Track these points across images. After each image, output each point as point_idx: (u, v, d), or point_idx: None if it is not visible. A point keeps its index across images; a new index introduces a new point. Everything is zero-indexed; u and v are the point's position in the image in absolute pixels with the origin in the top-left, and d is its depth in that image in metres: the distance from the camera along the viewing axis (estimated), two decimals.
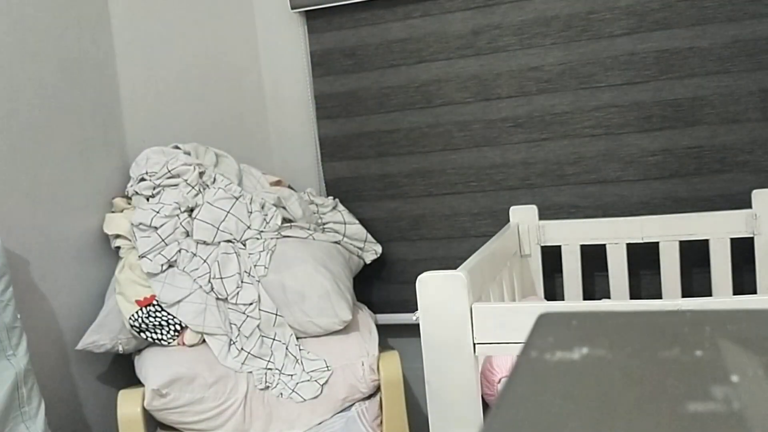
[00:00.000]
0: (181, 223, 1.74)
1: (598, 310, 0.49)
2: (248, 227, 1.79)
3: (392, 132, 2.06)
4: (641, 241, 1.78)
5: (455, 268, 1.38)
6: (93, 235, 1.82)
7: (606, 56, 1.87)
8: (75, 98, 1.79)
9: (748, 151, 1.80)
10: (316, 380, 1.65)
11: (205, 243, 1.74)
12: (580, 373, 0.39)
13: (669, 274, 1.78)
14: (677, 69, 1.82)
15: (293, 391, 1.64)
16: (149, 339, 1.66)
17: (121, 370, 1.87)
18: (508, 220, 1.99)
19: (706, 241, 1.84)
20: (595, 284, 1.95)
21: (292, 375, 1.66)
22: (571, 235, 1.83)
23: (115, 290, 1.72)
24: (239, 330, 1.67)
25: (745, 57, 1.78)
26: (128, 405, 1.56)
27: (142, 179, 1.82)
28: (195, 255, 1.72)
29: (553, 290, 1.98)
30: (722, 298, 1.02)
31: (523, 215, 1.87)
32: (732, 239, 1.80)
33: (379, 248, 2.05)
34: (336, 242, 1.93)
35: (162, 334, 1.66)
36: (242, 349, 1.65)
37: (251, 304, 1.68)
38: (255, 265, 1.73)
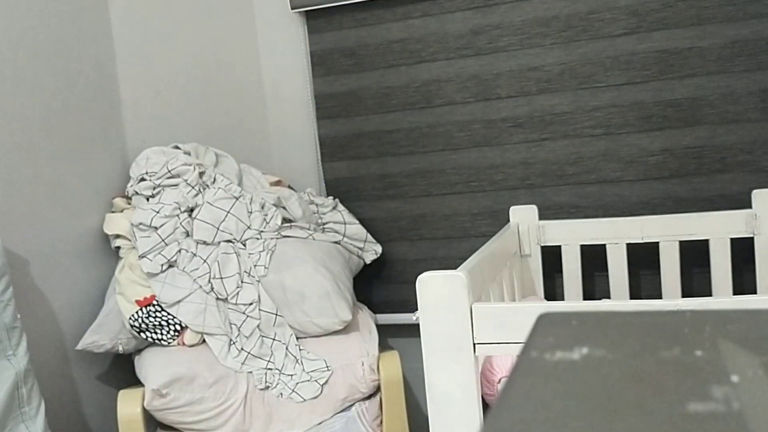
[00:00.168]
0: (181, 223, 1.74)
1: (598, 310, 0.49)
2: (248, 227, 1.79)
3: (392, 132, 2.06)
4: (641, 241, 1.78)
5: (455, 268, 1.38)
6: (93, 235, 1.82)
7: (606, 56, 1.87)
8: (75, 98, 1.79)
9: (748, 151, 1.80)
10: (316, 380, 1.65)
11: (205, 243, 1.74)
12: (580, 373, 0.39)
13: (669, 274, 1.78)
14: (677, 69, 1.82)
15: (293, 391, 1.64)
16: (149, 339, 1.66)
17: (121, 370, 1.87)
18: (508, 220, 1.99)
19: (706, 241, 1.84)
20: (595, 284, 1.95)
21: (292, 375, 1.66)
22: (571, 235, 1.83)
23: (115, 290, 1.72)
24: (239, 330, 1.67)
25: (745, 57, 1.78)
26: (128, 405, 1.56)
27: (142, 179, 1.82)
28: (195, 255, 1.72)
29: (553, 290, 1.98)
30: (722, 298, 1.02)
31: (523, 215, 1.87)
32: (732, 239, 1.80)
33: (379, 248, 2.05)
34: (336, 242, 1.93)
35: (162, 334, 1.66)
36: (242, 349, 1.65)
37: (251, 304, 1.68)
38: (255, 265, 1.73)
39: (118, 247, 1.81)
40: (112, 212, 1.85)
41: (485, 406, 1.41)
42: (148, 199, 1.80)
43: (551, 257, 1.95)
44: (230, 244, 1.76)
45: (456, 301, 1.12)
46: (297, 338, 1.73)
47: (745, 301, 1.03)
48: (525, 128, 1.95)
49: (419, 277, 1.13)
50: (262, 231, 1.79)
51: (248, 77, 2.16)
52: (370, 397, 1.73)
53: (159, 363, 1.60)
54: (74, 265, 1.75)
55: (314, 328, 1.72)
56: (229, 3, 2.13)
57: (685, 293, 1.87)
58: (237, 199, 1.81)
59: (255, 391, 1.62)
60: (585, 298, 1.94)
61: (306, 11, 2.09)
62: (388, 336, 2.17)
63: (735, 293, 1.82)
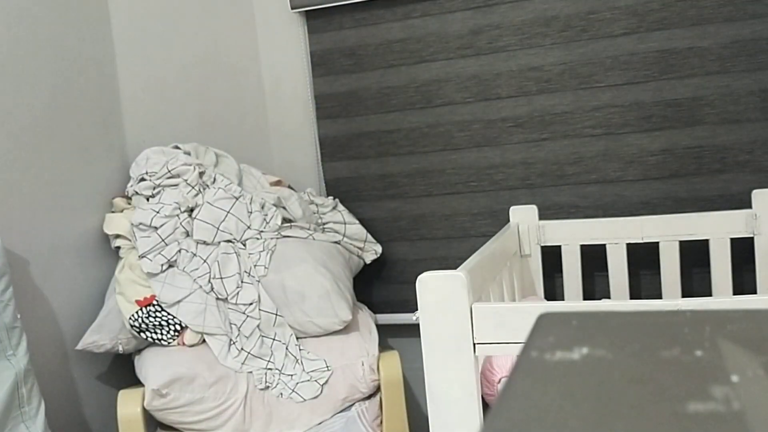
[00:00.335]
0: (181, 223, 1.74)
1: (598, 310, 0.49)
2: (248, 227, 1.79)
3: (392, 132, 2.06)
4: (641, 241, 1.78)
5: (455, 268, 1.38)
6: (93, 235, 1.82)
7: (606, 56, 1.87)
8: (75, 98, 1.79)
9: (748, 151, 1.80)
10: (316, 380, 1.65)
11: (205, 243, 1.74)
12: (580, 373, 0.39)
13: (669, 274, 1.78)
14: (677, 69, 1.82)
15: (293, 391, 1.64)
16: (149, 339, 1.66)
17: (121, 370, 1.87)
18: (508, 220, 1.99)
19: (706, 241, 1.84)
20: (595, 284, 1.95)
21: (292, 375, 1.66)
22: (571, 235, 1.83)
23: (115, 290, 1.72)
24: (239, 330, 1.67)
25: (745, 57, 1.78)
26: (128, 405, 1.56)
27: (142, 179, 1.82)
28: (195, 255, 1.72)
29: (553, 290, 1.98)
30: (722, 298, 1.02)
31: (523, 215, 1.87)
32: (732, 239, 1.80)
33: (379, 248, 2.05)
34: (336, 242, 1.93)
35: (162, 334, 1.66)
36: (242, 349, 1.65)
37: (251, 304, 1.68)
38: (255, 265, 1.73)
39: (118, 247, 1.81)
40: (112, 212, 1.85)
41: (485, 406, 1.41)
42: (148, 199, 1.80)
43: (551, 257, 1.95)
44: (230, 244, 1.76)
45: (456, 301, 1.12)
46: (297, 338, 1.73)
47: (745, 301, 1.03)
48: (525, 128, 1.95)
49: (419, 277, 1.13)
50: (262, 231, 1.80)
51: (248, 77, 2.16)
52: (370, 397, 1.73)
53: (159, 363, 1.60)
54: (74, 265, 1.75)
55: (314, 328, 1.72)
56: (229, 3, 2.13)
57: (685, 293, 1.87)
58: (237, 199, 1.81)
59: (255, 391, 1.62)
60: (585, 298, 1.94)
61: (306, 11, 2.09)
62: (388, 336, 2.17)
63: (735, 293, 1.82)
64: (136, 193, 1.81)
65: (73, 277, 1.74)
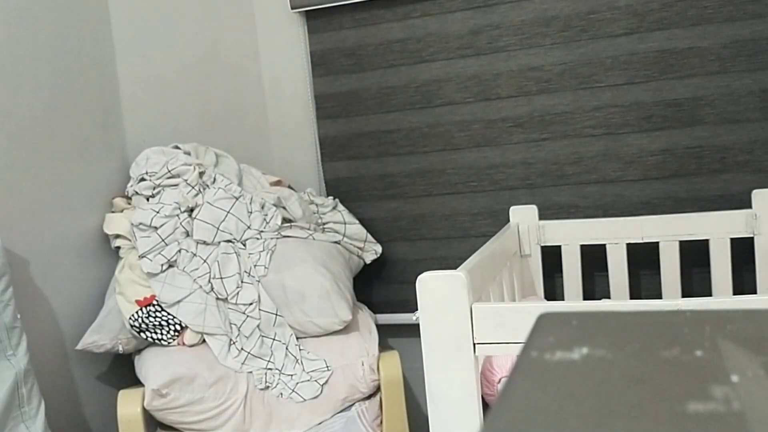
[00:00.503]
0: (181, 223, 1.74)
1: (598, 310, 0.49)
2: (248, 227, 1.79)
3: (392, 132, 2.06)
4: (641, 241, 1.78)
5: (455, 268, 1.38)
6: (93, 235, 1.82)
7: (606, 56, 1.87)
8: (75, 98, 1.79)
9: (748, 151, 1.80)
10: (316, 380, 1.65)
11: (205, 243, 1.74)
12: (580, 373, 0.39)
13: (669, 274, 1.78)
14: (677, 69, 1.82)
15: (293, 391, 1.64)
16: (149, 339, 1.66)
17: (121, 370, 1.87)
18: (508, 220, 1.99)
19: (706, 241, 1.84)
20: (595, 284, 1.95)
21: (292, 375, 1.66)
22: (571, 235, 1.83)
23: (115, 290, 1.72)
24: (239, 330, 1.67)
25: (745, 57, 1.78)
26: (128, 405, 1.56)
27: (142, 179, 1.82)
28: (195, 255, 1.72)
29: (553, 290, 1.98)
30: (722, 298, 1.02)
31: (523, 215, 1.87)
32: (732, 239, 1.80)
33: (379, 248, 2.05)
34: (336, 242, 1.93)
35: (162, 334, 1.66)
36: (242, 349, 1.65)
37: (251, 304, 1.68)
38: (255, 265, 1.73)
39: (118, 247, 1.81)
40: (112, 212, 1.85)
41: (485, 406, 1.41)
42: (148, 199, 1.80)
43: (551, 257, 1.95)
44: (230, 244, 1.76)
45: (456, 301, 1.12)
46: (297, 338, 1.73)
47: (745, 301, 1.03)
48: (525, 128, 1.95)
49: (419, 277, 1.13)
50: (262, 231, 1.80)
51: (248, 77, 2.16)
52: (370, 397, 1.73)
53: (159, 363, 1.60)
54: (74, 265, 1.75)
55: (314, 328, 1.72)
56: (229, 3, 2.13)
57: (685, 293, 1.87)
58: (237, 199, 1.81)
59: (255, 391, 1.62)
60: (585, 298, 1.94)
61: (306, 11, 2.09)
62: (388, 336, 2.17)
63: (735, 293, 1.82)
64: (136, 193, 1.81)
65: (73, 277, 1.74)
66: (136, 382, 1.72)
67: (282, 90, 2.17)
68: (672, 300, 1.04)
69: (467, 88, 1.98)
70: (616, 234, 1.79)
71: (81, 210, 1.78)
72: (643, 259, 1.91)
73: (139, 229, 1.73)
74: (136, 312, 1.65)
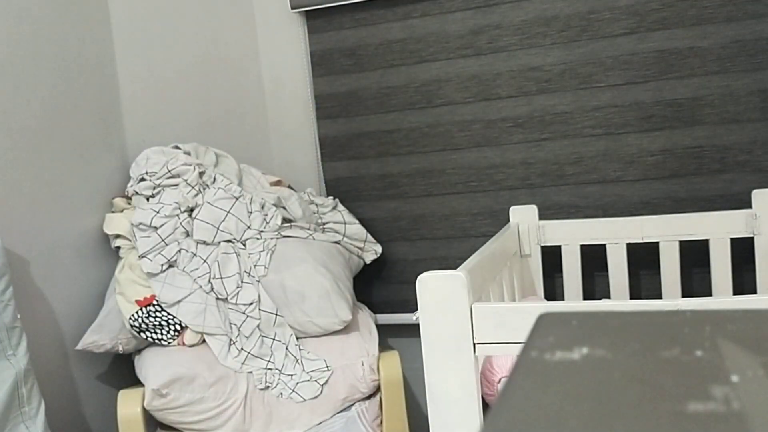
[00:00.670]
0: (181, 223, 1.74)
1: (598, 310, 0.49)
2: (248, 227, 1.79)
3: (392, 132, 2.06)
4: (641, 241, 1.78)
5: (455, 268, 1.38)
6: (93, 235, 1.82)
7: (606, 56, 1.87)
8: (75, 98, 1.79)
9: (748, 151, 1.80)
10: (316, 380, 1.65)
11: (205, 243, 1.74)
12: (580, 373, 0.39)
13: (669, 274, 1.78)
14: (677, 69, 1.82)
15: (293, 391, 1.64)
16: (149, 339, 1.66)
17: (121, 370, 1.87)
18: (508, 220, 1.99)
19: (706, 241, 1.84)
20: (595, 284, 1.95)
21: (292, 375, 1.66)
22: (571, 235, 1.83)
23: (115, 290, 1.72)
24: (239, 330, 1.67)
25: (745, 57, 1.78)
26: (128, 405, 1.56)
27: (142, 179, 1.82)
28: (195, 255, 1.72)
29: (553, 290, 1.98)
30: (722, 298, 1.02)
31: (523, 215, 1.87)
32: (732, 239, 1.80)
33: (379, 248, 2.05)
34: (336, 242, 1.93)
35: (162, 334, 1.66)
36: (242, 349, 1.65)
37: (251, 304, 1.68)
38: (255, 265, 1.73)
39: (118, 247, 1.81)
40: (112, 212, 1.85)
41: (485, 406, 1.41)
42: (148, 199, 1.80)
43: (551, 257, 1.95)
44: (230, 244, 1.76)
45: (456, 301, 1.12)
46: (297, 338, 1.73)
47: (745, 301, 1.03)
48: (525, 128, 1.95)
49: (419, 277, 1.13)
50: (262, 231, 1.80)
51: (248, 77, 2.16)
52: (370, 397, 1.73)
53: (159, 363, 1.60)
54: (74, 265, 1.75)
55: (314, 328, 1.72)
56: (229, 3, 2.13)
57: (685, 293, 1.87)
58: (237, 199, 1.81)
59: (255, 391, 1.62)
60: (585, 298, 1.94)
61: (306, 11, 2.09)
62: (388, 336, 2.17)
63: (735, 293, 1.82)
64: (136, 193, 1.81)
65: (73, 277, 1.74)
66: (136, 382, 1.72)
67: (282, 90, 2.17)
68: (672, 300, 1.04)
69: (467, 88, 1.98)
70: (616, 234, 1.79)
71: (81, 210, 1.78)
72: (643, 259, 1.91)
73: (139, 229, 1.73)
74: (136, 312, 1.65)
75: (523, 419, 0.34)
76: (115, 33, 1.94)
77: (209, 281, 1.69)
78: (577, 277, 1.85)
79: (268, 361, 1.66)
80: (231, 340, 1.66)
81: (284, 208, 1.89)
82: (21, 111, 1.62)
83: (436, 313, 1.13)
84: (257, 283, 1.71)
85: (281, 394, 1.63)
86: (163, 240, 1.71)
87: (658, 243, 1.86)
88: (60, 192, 1.72)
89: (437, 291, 1.12)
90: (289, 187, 2.05)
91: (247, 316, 1.68)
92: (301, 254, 1.76)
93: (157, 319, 1.65)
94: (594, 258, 1.93)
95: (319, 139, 2.13)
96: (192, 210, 1.78)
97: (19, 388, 1.42)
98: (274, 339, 1.69)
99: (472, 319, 1.12)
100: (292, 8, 2.06)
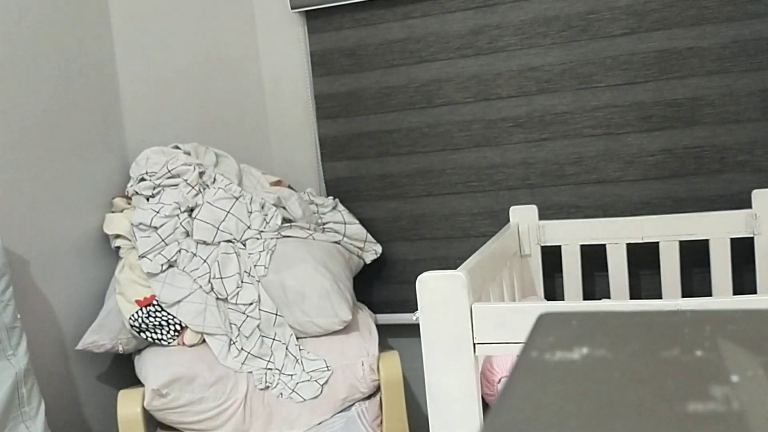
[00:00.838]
0: (181, 223, 1.74)
1: (598, 310, 0.49)
2: (248, 227, 1.79)
3: (392, 132, 2.06)
4: (641, 241, 1.78)
5: (455, 268, 1.38)
6: (93, 235, 1.82)
7: (606, 56, 1.87)
8: (75, 98, 1.79)
9: (748, 151, 1.80)
10: (316, 380, 1.65)
11: (205, 243, 1.74)
12: (580, 373, 0.39)
13: (669, 274, 1.78)
14: (677, 69, 1.82)
15: (293, 391, 1.64)
16: (149, 339, 1.66)
17: (121, 370, 1.87)
18: (508, 220, 1.99)
19: (706, 241, 1.84)
20: (595, 284, 1.95)
21: (292, 375, 1.66)
22: (571, 235, 1.83)
23: (115, 290, 1.72)
24: (239, 330, 1.67)
25: (745, 57, 1.78)
26: (128, 405, 1.56)
27: (142, 179, 1.82)
28: (195, 255, 1.72)
29: (553, 290, 1.98)
30: (722, 298, 1.02)
31: (523, 215, 1.87)
32: (732, 239, 1.80)
33: (379, 248, 2.05)
34: (336, 242, 1.93)
35: (162, 334, 1.66)
36: (242, 349, 1.65)
37: (251, 304, 1.68)
38: (255, 265, 1.73)
39: (118, 247, 1.81)
40: (112, 212, 1.85)
41: (485, 406, 1.41)
42: (148, 199, 1.80)
43: (551, 257, 1.95)
44: (230, 244, 1.76)
45: (456, 301, 1.12)
46: (297, 338, 1.73)
47: (745, 301, 1.03)
48: (525, 128, 1.95)
49: (419, 277, 1.13)
50: (262, 231, 1.80)
51: (248, 77, 2.16)
52: (370, 397, 1.73)
53: (159, 363, 1.60)
54: (74, 265, 1.75)
55: (314, 328, 1.72)
56: (229, 3, 2.13)
57: (685, 293, 1.87)
58: (237, 199, 1.81)
59: (255, 391, 1.62)
60: (585, 298, 1.94)
61: (306, 11, 2.09)
62: (388, 336, 2.17)
63: (735, 293, 1.82)
64: (136, 193, 1.81)
65: (73, 277, 1.74)
66: (136, 382, 1.72)
67: (282, 90, 2.17)
68: (672, 300, 1.04)
69: (467, 88, 1.98)
70: (616, 234, 1.79)
71: (81, 210, 1.78)
72: (643, 259, 1.91)
73: (139, 229, 1.73)
74: (136, 312, 1.65)
75: (523, 419, 0.34)
76: (115, 33, 1.94)
77: (209, 281, 1.69)
78: (577, 277, 1.85)
79: (268, 361, 1.66)
80: (231, 340, 1.66)
81: (284, 208, 1.89)
82: (21, 111, 1.62)
83: (436, 313, 1.13)
84: (257, 283, 1.71)
85: (281, 394, 1.63)
86: (163, 240, 1.71)
87: (658, 243, 1.86)
88: (60, 192, 1.72)
89: (437, 291, 1.12)
90: (289, 187, 2.05)
91: (247, 316, 1.68)
92: (301, 254, 1.76)
93: (157, 319, 1.65)
94: (594, 258, 1.93)
95: (319, 139, 2.13)
96: (192, 210, 1.78)
97: (19, 388, 1.42)
98: (274, 339, 1.69)
99: (472, 319, 1.12)
100: (292, 8, 2.06)
